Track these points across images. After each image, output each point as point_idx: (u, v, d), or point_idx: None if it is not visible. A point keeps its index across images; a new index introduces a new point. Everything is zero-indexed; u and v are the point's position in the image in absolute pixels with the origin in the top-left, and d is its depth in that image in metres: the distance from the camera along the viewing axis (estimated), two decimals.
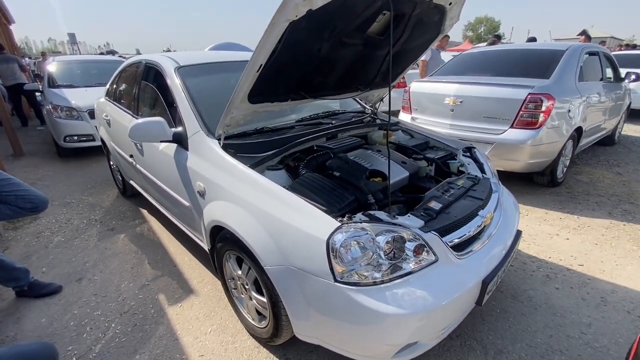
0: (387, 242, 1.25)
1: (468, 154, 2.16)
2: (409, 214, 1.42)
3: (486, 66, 3.71)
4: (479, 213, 1.54)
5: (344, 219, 1.29)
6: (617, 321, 1.81)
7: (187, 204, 1.93)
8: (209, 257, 1.95)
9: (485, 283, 1.36)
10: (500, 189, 1.87)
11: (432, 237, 1.31)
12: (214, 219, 1.63)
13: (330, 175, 1.68)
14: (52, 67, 5.63)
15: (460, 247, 1.41)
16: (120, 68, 3.22)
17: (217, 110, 1.85)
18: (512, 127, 3.11)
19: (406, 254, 1.27)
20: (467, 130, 3.36)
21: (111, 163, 3.64)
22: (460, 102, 3.39)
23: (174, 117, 2.07)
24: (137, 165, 2.54)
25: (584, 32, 6.73)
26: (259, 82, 1.47)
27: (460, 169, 2.00)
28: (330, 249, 1.20)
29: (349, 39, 1.62)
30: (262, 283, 1.47)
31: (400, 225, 1.31)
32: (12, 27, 11.30)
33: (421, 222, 1.37)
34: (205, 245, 1.95)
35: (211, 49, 6.47)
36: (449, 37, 5.89)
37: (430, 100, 3.71)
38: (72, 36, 26.13)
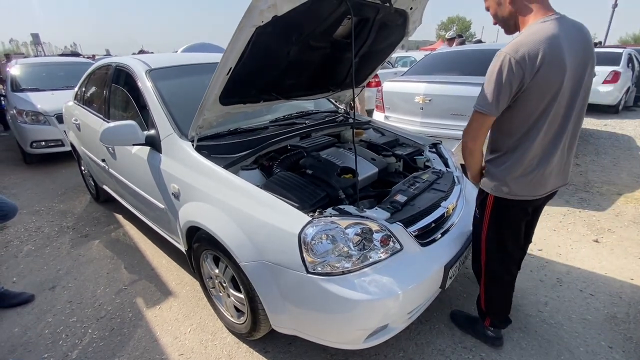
0: (356, 234, 1.33)
1: (434, 149, 2.28)
2: (376, 207, 1.51)
3: (453, 66, 3.88)
4: (441, 204, 1.65)
5: (315, 213, 1.36)
6: (570, 299, 1.98)
7: (162, 206, 1.94)
8: (186, 258, 1.98)
9: (447, 268, 1.47)
10: (464, 182, 2.00)
11: (397, 228, 1.41)
12: (189, 220, 1.66)
13: (303, 173, 1.74)
14: (15, 70, 5.39)
15: (423, 236, 1.51)
16: (89, 71, 3.15)
17: (190, 112, 1.87)
18: None
19: (374, 245, 1.36)
20: (437, 127, 3.52)
21: (82, 168, 3.55)
22: (429, 100, 3.54)
23: (146, 120, 2.07)
24: (110, 170, 2.51)
25: None
26: (230, 84, 1.51)
27: (426, 164, 2.12)
28: (302, 242, 1.26)
29: (317, 42, 1.69)
30: (239, 280, 1.51)
31: (367, 217, 1.39)
32: None
33: (387, 214, 1.46)
34: (182, 247, 1.97)
35: (184, 50, 6.38)
36: (455, 38, 6.81)
37: (402, 99, 3.84)
38: (35, 36, 24.87)
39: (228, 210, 1.46)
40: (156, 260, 2.50)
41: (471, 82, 3.32)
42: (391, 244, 1.38)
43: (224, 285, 1.70)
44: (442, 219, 1.61)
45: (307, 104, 2.82)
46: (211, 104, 1.57)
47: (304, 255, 1.27)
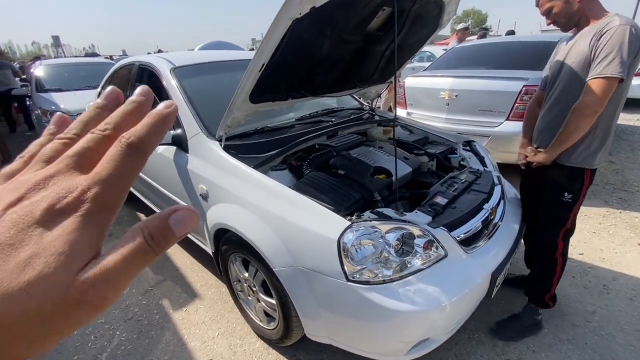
0: (397, 240, 1.25)
1: (468, 147, 2.17)
2: (416, 210, 1.42)
3: (480, 59, 3.72)
4: (484, 206, 1.55)
5: (353, 217, 1.28)
6: (620, 308, 1.84)
7: None
8: (211, 259, 1.93)
9: (494, 276, 1.37)
10: (503, 182, 1.88)
11: (440, 233, 1.31)
12: (218, 222, 1.61)
13: (335, 174, 1.67)
14: (39, 71, 5.50)
15: (467, 242, 1.41)
16: (112, 70, 3.15)
17: (216, 110, 1.83)
18: (507, 119, 3.13)
19: (416, 250, 1.27)
20: (463, 124, 3.38)
21: None
22: (456, 95, 3.40)
23: None
24: None
25: None
26: (261, 81, 1.45)
27: (462, 163, 2.01)
28: (341, 248, 1.19)
29: (350, 35, 1.60)
30: (271, 285, 1.45)
31: (409, 221, 1.31)
32: None
33: (429, 218, 1.37)
34: (208, 249, 1.93)
35: (201, 48, 6.39)
36: (468, 29, 6.11)
37: (426, 95, 3.72)
38: (56, 39, 25.59)
39: (261, 213, 1.40)
40: (180, 261, 2.48)
41: (502, 75, 3.17)
42: (434, 250, 1.29)
43: (254, 289, 1.65)
44: (485, 222, 1.51)
45: (331, 101, 2.75)
46: (241, 102, 1.51)
47: (344, 261, 1.19)
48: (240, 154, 1.68)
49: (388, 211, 1.35)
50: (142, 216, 3.20)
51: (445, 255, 1.30)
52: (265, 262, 1.39)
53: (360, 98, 2.73)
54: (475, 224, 1.45)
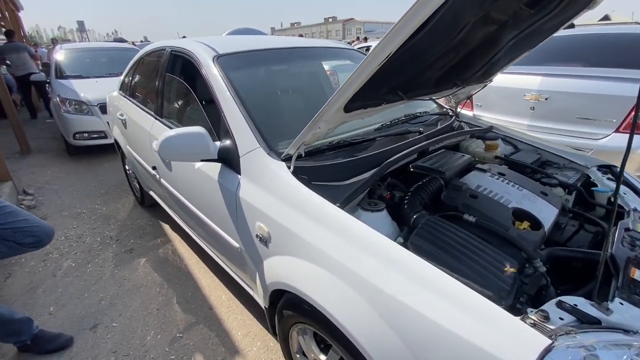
0: None
1: (609, 174, 1.60)
2: (619, 300, 0.87)
3: (574, 54, 3.06)
4: None
5: (533, 315, 0.76)
6: None
7: (236, 245, 1.42)
8: (253, 298, 1.47)
9: None
10: None
11: None
12: (285, 283, 1.12)
13: (454, 218, 1.14)
14: (59, 55, 5.13)
15: None
16: (138, 57, 2.69)
17: (277, 116, 1.34)
18: (617, 131, 2.51)
19: None
20: (553, 133, 2.77)
21: (127, 167, 3.15)
22: (546, 98, 2.78)
23: (215, 125, 1.55)
24: (162, 180, 2.03)
25: (606, 17, 5.95)
26: (371, 81, 0.92)
27: (612, 200, 1.44)
28: None
29: (500, 12, 1.06)
30: None
31: (630, 330, 0.77)
32: (21, 14, 10.85)
33: None
34: (259, 300, 1.45)
35: (229, 34, 5.90)
36: None
37: (502, 96, 3.11)
38: (81, 24, 25.75)
39: (366, 291, 0.89)
40: (214, 295, 2.02)
41: (614, 75, 2.53)
42: None
43: None
44: None
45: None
46: (335, 111, 1.00)
47: None
48: (314, 181, 1.18)
49: (583, 304, 0.82)
50: (167, 227, 2.77)
51: None
52: None
53: (442, 100, 2.18)
54: None
